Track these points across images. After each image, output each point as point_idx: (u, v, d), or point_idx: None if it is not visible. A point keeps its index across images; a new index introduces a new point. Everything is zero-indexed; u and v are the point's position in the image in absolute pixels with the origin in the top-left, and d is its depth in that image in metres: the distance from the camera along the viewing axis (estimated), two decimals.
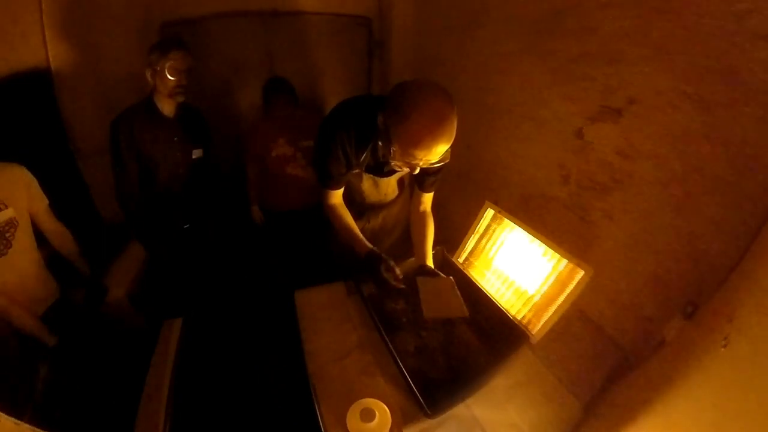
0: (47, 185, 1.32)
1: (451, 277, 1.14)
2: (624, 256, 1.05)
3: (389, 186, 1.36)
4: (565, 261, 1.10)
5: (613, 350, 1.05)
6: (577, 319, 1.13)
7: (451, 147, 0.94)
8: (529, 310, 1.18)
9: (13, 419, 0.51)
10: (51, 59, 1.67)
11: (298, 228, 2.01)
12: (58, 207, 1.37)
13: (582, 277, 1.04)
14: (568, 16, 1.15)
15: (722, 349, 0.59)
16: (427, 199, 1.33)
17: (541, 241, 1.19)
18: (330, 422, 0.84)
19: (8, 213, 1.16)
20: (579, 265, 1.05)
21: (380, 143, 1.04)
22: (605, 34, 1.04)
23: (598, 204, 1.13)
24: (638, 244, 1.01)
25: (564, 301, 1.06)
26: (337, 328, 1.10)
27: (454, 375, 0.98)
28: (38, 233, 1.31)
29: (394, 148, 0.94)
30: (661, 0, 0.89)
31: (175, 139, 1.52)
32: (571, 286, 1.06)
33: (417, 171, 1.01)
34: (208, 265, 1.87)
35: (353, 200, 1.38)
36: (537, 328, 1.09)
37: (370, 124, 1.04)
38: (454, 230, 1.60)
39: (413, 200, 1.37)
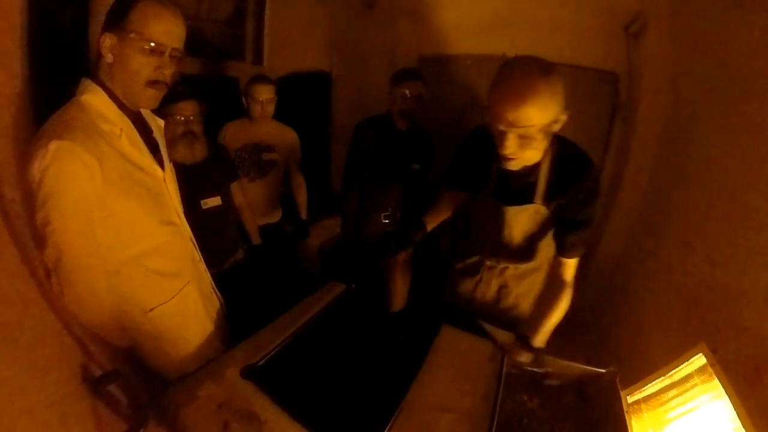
0: None
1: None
2: None
3: (517, 223, 1.14)
4: None
5: None
6: None
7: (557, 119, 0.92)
8: None
9: None
10: None
11: None
12: None
13: None
14: None
15: None
16: (568, 266, 1.11)
17: None
18: None
19: (274, 155, 1.70)
20: None
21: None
22: None
23: None
24: None
25: None
26: (457, 382, 1.02)
27: None
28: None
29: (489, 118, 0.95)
30: None
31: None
32: None
33: (506, 148, 0.95)
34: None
35: (476, 238, 1.28)
36: None
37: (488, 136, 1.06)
38: (638, 354, 1.23)
39: (550, 270, 1.20)
